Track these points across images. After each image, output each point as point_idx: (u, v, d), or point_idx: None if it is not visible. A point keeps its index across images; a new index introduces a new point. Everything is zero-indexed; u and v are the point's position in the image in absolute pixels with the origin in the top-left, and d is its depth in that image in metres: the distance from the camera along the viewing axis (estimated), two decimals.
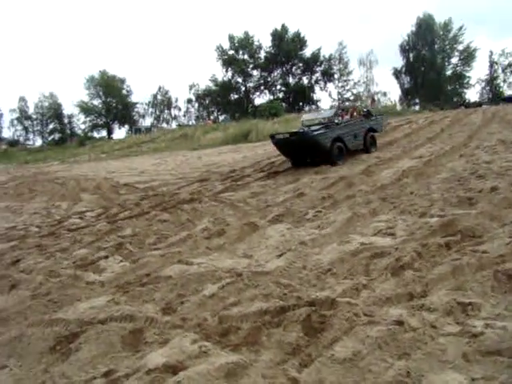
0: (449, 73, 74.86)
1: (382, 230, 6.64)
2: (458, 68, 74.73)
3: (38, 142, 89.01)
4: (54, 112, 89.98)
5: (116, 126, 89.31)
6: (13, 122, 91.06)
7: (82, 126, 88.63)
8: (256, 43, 78.66)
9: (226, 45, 78.02)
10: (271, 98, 75.84)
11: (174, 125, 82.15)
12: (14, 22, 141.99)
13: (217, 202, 11.15)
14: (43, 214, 13.16)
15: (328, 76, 77.75)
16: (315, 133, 15.06)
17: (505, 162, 10.75)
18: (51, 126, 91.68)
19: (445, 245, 5.36)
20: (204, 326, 4.11)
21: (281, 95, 78.55)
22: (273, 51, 77.60)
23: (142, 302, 4.94)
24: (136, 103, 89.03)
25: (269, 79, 79.67)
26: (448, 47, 73.86)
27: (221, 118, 78.64)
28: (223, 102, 79.47)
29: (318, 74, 78.81)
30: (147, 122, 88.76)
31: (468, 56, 73.20)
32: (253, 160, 20.48)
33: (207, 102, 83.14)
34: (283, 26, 77.13)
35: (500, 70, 74.53)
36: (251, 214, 9.21)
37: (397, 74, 76.27)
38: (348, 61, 76.69)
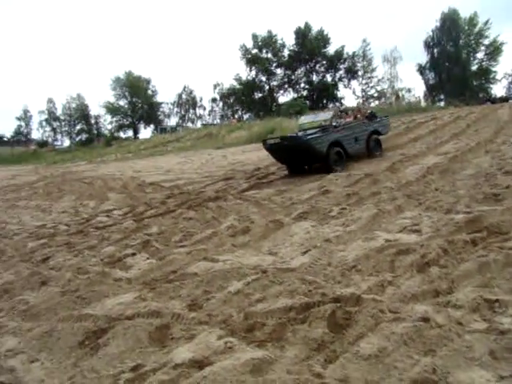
0: (474, 68, 73.60)
1: (407, 226, 6.60)
2: (483, 63, 73.41)
3: (66, 142, 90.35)
4: (81, 113, 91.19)
5: (142, 126, 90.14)
6: (41, 124, 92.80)
7: (109, 127, 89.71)
8: (279, 42, 78.55)
9: (250, 44, 78.12)
10: (295, 96, 75.66)
11: (198, 124, 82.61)
12: (41, 26, 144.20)
13: (242, 199, 11.19)
14: (71, 213, 13.37)
15: (352, 73, 77.30)
16: (309, 137, 14.06)
17: None
18: (78, 127, 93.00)
19: (471, 241, 5.32)
20: (229, 322, 4.15)
21: (305, 93, 78.34)
22: (296, 49, 77.35)
23: (168, 299, 5.00)
24: (161, 103, 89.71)
25: (292, 77, 79.48)
26: (473, 42, 72.67)
27: (245, 116, 78.77)
28: (247, 100, 79.51)
29: (341, 72, 78.40)
30: (172, 121, 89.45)
31: (494, 50, 71.88)
32: None
33: (231, 100, 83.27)
34: (306, 24, 76.88)
35: None
36: (276, 212, 9.23)
37: (421, 70, 75.39)
38: (372, 58, 76.14)
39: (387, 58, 72.30)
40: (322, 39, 76.65)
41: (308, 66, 78.57)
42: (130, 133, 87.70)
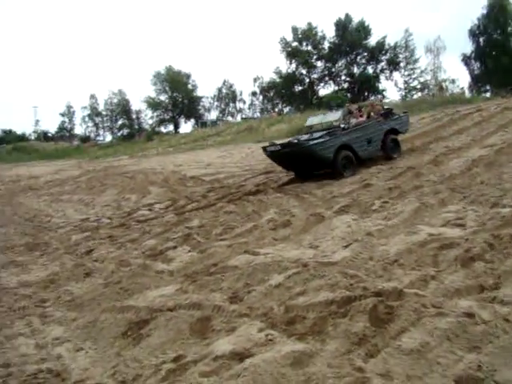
0: None
1: (451, 220, 6.47)
2: None
3: (108, 137, 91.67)
4: (122, 108, 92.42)
5: (182, 121, 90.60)
6: (84, 119, 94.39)
7: (150, 121, 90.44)
8: (320, 34, 77.52)
9: (290, 37, 77.40)
10: (336, 88, 74.88)
11: (238, 118, 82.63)
12: (84, 23, 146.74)
13: (282, 193, 11.19)
14: (114, 207, 13.63)
15: (394, 65, 75.83)
16: (311, 143, 12.76)
17: None
18: (120, 122, 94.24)
19: None
20: (270, 315, 4.15)
21: (345, 86, 77.38)
22: (337, 41, 76.28)
23: (209, 291, 5.04)
24: (201, 97, 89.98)
25: (333, 70, 78.50)
26: None
27: (285, 109, 78.37)
28: (287, 93, 79.03)
29: (383, 63, 76.90)
30: (213, 115, 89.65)
31: None
32: None
33: (272, 94, 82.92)
34: (347, 15, 75.73)
35: None
36: (317, 205, 9.19)
37: (466, 59, 73.29)
38: (414, 48, 74.30)
39: (430, 48, 70.65)
40: (363, 30, 75.36)
41: (349, 58, 77.43)
42: (171, 127, 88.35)
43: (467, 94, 55.61)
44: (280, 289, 4.77)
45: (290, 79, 77.58)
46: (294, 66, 78.13)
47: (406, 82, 75.08)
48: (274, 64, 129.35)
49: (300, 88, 79.19)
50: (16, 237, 10.99)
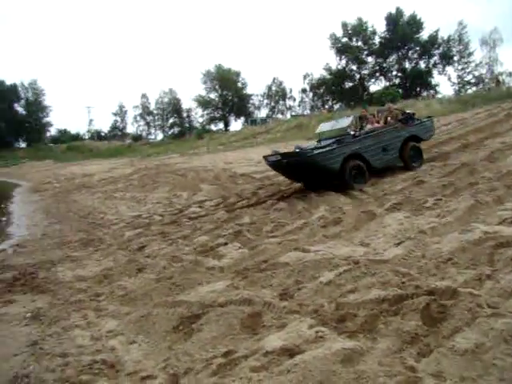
0: None
1: (507, 218, 6.27)
2: None
3: (159, 136, 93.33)
4: (173, 107, 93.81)
5: (232, 119, 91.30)
6: (136, 118, 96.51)
7: (200, 120, 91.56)
8: (370, 29, 76.43)
9: (340, 32, 76.71)
10: (387, 84, 73.63)
11: (288, 115, 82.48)
12: (134, 25, 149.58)
13: (333, 190, 11.10)
14: (165, 204, 13.84)
15: (447, 59, 73.96)
16: (315, 152, 11.72)
17: None
18: (171, 121, 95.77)
19: None
20: (320, 312, 4.14)
21: (397, 81, 75.99)
22: (387, 36, 74.95)
23: (259, 288, 5.06)
24: (251, 95, 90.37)
25: (384, 65, 77.23)
26: None
27: (335, 106, 77.70)
28: (338, 90, 78.33)
29: (436, 58, 75.14)
30: (262, 113, 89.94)
31: None
32: None
33: (321, 91, 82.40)
34: (398, 9, 74.24)
35: None
36: (368, 203, 9.10)
37: None
38: (469, 41, 72.16)
39: (486, 40, 68.54)
40: (415, 24, 73.69)
41: (400, 53, 75.95)
42: (221, 125, 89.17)
43: None
44: (331, 286, 4.75)
45: (340, 75, 76.85)
46: (344, 62, 77.41)
47: (459, 77, 73.11)
48: (324, 60, 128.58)
49: (350, 84, 78.37)
50: (71, 233, 11.31)
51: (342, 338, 3.60)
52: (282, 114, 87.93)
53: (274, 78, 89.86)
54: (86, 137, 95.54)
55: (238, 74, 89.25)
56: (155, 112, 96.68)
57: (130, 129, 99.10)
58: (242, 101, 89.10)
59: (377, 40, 76.53)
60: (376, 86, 77.05)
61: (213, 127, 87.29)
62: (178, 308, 4.65)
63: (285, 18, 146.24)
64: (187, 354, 3.76)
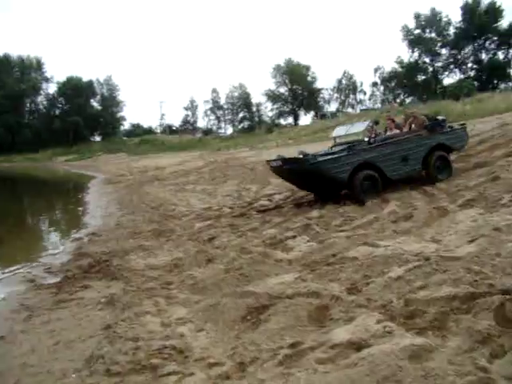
0: None
1: None
2: None
3: (229, 130, 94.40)
4: (243, 101, 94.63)
5: (302, 113, 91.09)
6: (206, 113, 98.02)
7: (270, 114, 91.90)
8: (444, 19, 73.81)
9: (412, 24, 74.58)
10: (461, 77, 71.09)
11: (358, 109, 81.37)
12: (205, 20, 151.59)
13: (405, 185, 10.90)
14: (235, 196, 13.99)
15: None
16: (319, 159, 10.72)
17: None
18: (241, 115, 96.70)
19: None
20: (389, 308, 4.09)
21: (472, 74, 73.16)
22: (463, 26, 72.11)
23: (327, 281, 5.06)
24: (321, 89, 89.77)
25: (458, 57, 74.40)
26: None
27: (407, 100, 75.88)
28: (409, 83, 76.35)
29: None
30: (332, 107, 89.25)
31: None
32: None
33: (393, 84, 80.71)
34: None
35: None
36: (440, 198, 8.88)
37: None
38: None
39: None
40: (493, 12, 70.36)
41: (476, 44, 72.81)
42: (291, 119, 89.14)
43: None
44: (400, 282, 4.68)
45: (412, 68, 74.79)
46: (416, 54, 75.19)
47: None
48: (396, 53, 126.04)
49: (423, 77, 76.05)
50: (144, 223, 11.63)
51: (411, 334, 3.55)
52: (352, 108, 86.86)
53: (345, 72, 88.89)
54: (158, 131, 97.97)
55: (307, 68, 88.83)
56: (225, 106, 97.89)
57: (201, 123, 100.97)
58: (311, 95, 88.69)
59: (451, 31, 73.67)
60: (450, 78, 74.41)
61: (282, 121, 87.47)
62: (246, 298, 4.70)
63: (356, 11, 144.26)
64: (254, 343, 3.80)
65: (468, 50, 73.43)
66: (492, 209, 7.35)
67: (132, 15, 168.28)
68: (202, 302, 5.05)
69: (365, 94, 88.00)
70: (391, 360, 3.11)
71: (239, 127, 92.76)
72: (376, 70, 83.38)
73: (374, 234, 7.02)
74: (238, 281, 5.51)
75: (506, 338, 3.32)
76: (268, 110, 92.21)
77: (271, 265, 6.03)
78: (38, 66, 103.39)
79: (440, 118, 13.01)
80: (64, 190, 31.52)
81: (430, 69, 75.75)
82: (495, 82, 69.70)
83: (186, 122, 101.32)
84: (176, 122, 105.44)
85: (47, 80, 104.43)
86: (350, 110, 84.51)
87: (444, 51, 74.90)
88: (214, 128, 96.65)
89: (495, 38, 70.76)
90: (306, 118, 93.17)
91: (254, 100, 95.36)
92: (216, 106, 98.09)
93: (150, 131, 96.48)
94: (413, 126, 12.21)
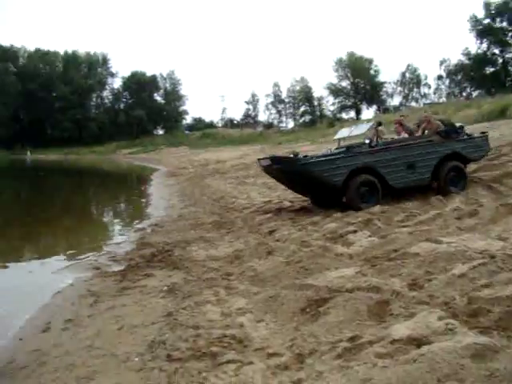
0: None
1: None
2: None
3: (290, 124, 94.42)
4: (304, 95, 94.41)
5: (364, 107, 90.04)
6: (267, 107, 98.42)
7: (331, 108, 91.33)
8: None
9: (481, 13, 71.82)
10: None
11: (422, 103, 79.51)
12: (267, 14, 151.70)
13: (469, 181, 10.62)
14: None
15: None
16: (311, 160, 10.09)
17: None
18: (302, 109, 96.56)
19: None
20: (451, 305, 4.01)
21: None
22: None
23: (388, 276, 5.00)
24: (384, 83, 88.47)
25: None
26: None
27: (474, 93, 73.46)
28: (477, 76, 73.74)
29: None
30: (395, 101, 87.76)
31: None
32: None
33: (459, 77, 78.33)
34: None
35: None
36: (508, 196, 8.60)
37: None
38: None
39: None
40: None
41: None
42: (353, 113, 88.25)
43: None
44: (463, 279, 4.58)
45: (480, 60, 72.00)
46: (485, 45, 72.26)
47: None
48: (463, 45, 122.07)
49: (491, 69, 73.16)
50: (205, 215, 11.82)
51: (474, 332, 3.45)
52: (416, 102, 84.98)
53: (408, 65, 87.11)
54: (220, 124, 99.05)
55: (370, 62, 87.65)
56: (286, 100, 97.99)
57: (262, 117, 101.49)
58: (374, 88, 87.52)
59: None
60: None
61: (344, 115, 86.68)
62: (305, 291, 4.71)
63: (421, 1, 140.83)
64: (313, 335, 3.81)
65: None
66: None
67: (194, 10, 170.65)
68: (261, 293, 5.09)
69: (429, 87, 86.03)
70: (453, 358, 3.04)
71: (300, 121, 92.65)
72: (441, 63, 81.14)
73: (437, 230, 6.89)
74: (297, 273, 5.53)
75: None
76: (330, 104, 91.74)
77: (331, 258, 6.01)
78: (104, 61, 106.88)
79: (458, 124, 11.88)
80: (128, 182, 32.44)
81: (500, 60, 72.78)
82: None
83: (247, 115, 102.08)
84: (237, 115, 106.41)
85: (112, 75, 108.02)
86: (413, 103, 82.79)
87: None
88: (275, 122, 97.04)
89: None
90: (368, 112, 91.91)
91: (316, 94, 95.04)
92: (277, 100, 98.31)
93: (211, 125, 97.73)
94: (426, 131, 11.36)
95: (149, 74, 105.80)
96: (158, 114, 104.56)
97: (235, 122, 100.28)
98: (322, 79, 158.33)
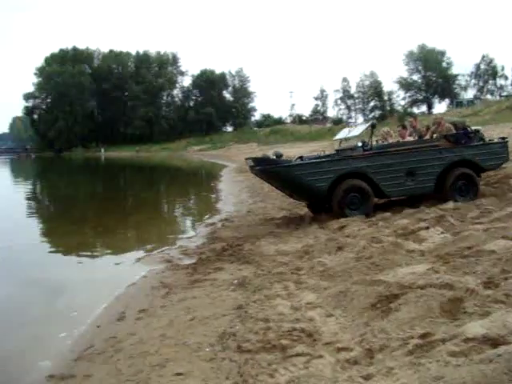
0: None
1: None
2: None
3: (359, 119, 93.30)
4: (374, 90, 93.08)
5: (436, 101, 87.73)
6: (336, 102, 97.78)
7: (402, 102, 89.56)
8: None
9: None
10: None
11: (498, 96, 76.52)
12: (335, 9, 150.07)
13: None
14: None
15: None
16: (293, 163, 9.59)
17: None
18: (372, 104, 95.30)
19: None
20: None
21: None
22: None
23: (461, 274, 4.86)
24: (457, 75, 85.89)
25: None
26: None
27: None
28: None
29: None
30: (469, 94, 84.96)
31: None
32: None
33: None
34: None
35: None
36: None
37: None
38: None
39: None
40: None
41: None
42: (424, 108, 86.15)
43: None
44: None
45: None
46: None
47: None
48: None
49: None
50: (273, 211, 11.91)
51: None
52: (492, 94, 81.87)
53: (484, 56, 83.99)
54: (288, 121, 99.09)
55: (442, 54, 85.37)
56: (356, 95, 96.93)
57: (331, 112, 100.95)
58: (446, 82, 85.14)
59: None
60: None
61: (415, 110, 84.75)
62: (376, 287, 4.66)
63: None
64: (383, 331, 3.77)
65: None
66: None
67: (262, 7, 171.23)
68: (331, 288, 5.09)
69: (506, 78, 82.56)
70: None
71: (370, 116, 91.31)
72: None
73: None
74: (368, 269, 5.48)
75: None
76: (400, 99, 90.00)
77: (402, 255, 5.92)
78: (174, 60, 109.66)
79: (474, 128, 10.81)
80: (198, 178, 33.03)
81: None
82: None
83: (315, 111, 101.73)
84: (306, 111, 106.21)
85: (182, 73, 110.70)
86: (489, 96, 79.77)
87: None
88: (344, 117, 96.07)
89: None
90: (440, 106, 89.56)
91: (386, 88, 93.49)
92: (346, 95, 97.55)
93: (279, 121, 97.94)
94: (435, 135, 10.45)
95: (218, 71, 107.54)
96: (226, 111, 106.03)
97: (304, 118, 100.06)
98: (392, 73, 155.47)
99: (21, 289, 7.11)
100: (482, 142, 10.20)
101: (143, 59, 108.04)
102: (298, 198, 10.54)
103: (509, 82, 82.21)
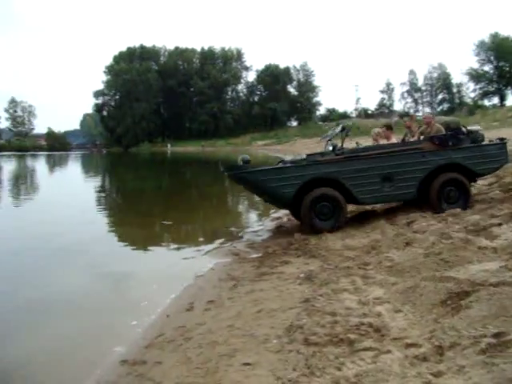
0: None
1: None
2: None
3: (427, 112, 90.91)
4: (442, 82, 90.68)
5: (509, 92, 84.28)
6: (403, 95, 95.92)
7: (472, 95, 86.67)
8: None
9: None
10: None
11: None
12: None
13: None
14: None
15: None
16: (257, 169, 9.03)
17: None
18: (440, 97, 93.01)
19: None
20: None
21: None
22: None
23: None
24: None
25: None
26: None
27: None
28: None
29: None
30: None
31: None
32: None
33: None
34: None
35: None
36: None
37: None
38: None
39: None
40: None
41: None
42: (496, 100, 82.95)
43: None
44: None
45: None
46: None
47: None
48: None
49: None
50: None
51: None
52: None
53: None
54: (353, 115, 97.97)
55: None
56: (423, 88, 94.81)
57: (397, 106, 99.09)
58: None
59: None
60: None
61: (486, 102, 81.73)
62: (446, 283, 4.57)
63: None
64: (454, 328, 3.69)
65: None
66: None
67: (324, 2, 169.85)
68: (399, 283, 5.03)
69: None
70: None
71: (438, 109, 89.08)
72: None
73: None
74: (437, 265, 5.37)
75: None
76: (470, 91, 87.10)
77: (473, 251, 5.75)
78: (239, 56, 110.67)
79: (471, 127, 9.92)
80: None
81: None
82: None
83: (381, 105, 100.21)
84: (371, 105, 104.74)
85: (247, 69, 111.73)
86: None
87: None
88: (411, 111, 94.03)
89: None
90: None
91: (455, 80, 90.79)
92: (413, 88, 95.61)
93: (345, 115, 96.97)
94: (416, 136, 9.99)
95: (282, 66, 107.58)
96: (291, 105, 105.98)
97: (369, 111, 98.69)
98: (462, 64, 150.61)
99: (94, 279, 7.41)
100: (475, 144, 9.35)
101: (208, 55, 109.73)
102: (272, 204, 10.30)
103: None
